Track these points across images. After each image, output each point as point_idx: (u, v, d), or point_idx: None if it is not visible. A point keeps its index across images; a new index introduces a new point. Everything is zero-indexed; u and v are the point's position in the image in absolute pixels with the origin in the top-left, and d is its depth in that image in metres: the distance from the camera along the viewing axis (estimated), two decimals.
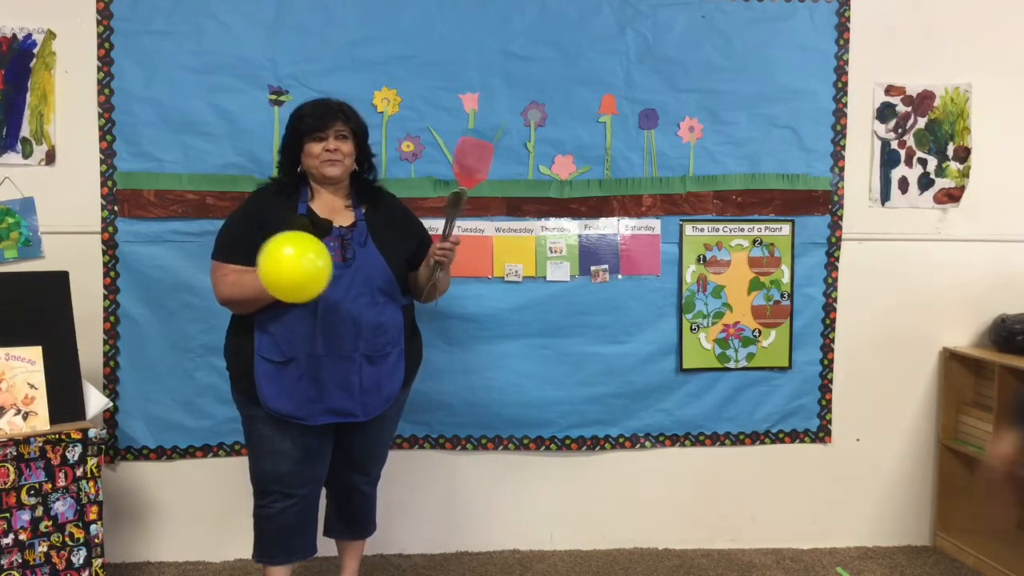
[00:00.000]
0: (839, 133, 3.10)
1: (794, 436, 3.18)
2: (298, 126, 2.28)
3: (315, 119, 2.27)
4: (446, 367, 2.99)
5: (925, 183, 3.16)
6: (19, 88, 2.80)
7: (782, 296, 3.12)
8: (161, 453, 2.95)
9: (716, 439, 3.14)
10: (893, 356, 3.19)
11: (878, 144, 3.13)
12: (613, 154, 3.03)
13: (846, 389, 3.17)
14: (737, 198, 3.07)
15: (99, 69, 2.83)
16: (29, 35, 2.80)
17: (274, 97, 2.89)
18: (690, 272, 3.07)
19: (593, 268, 3.04)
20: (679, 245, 3.06)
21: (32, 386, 2.42)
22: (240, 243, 2.24)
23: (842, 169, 3.11)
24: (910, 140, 3.14)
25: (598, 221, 3.03)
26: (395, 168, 2.95)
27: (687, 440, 3.14)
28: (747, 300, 3.11)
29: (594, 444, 3.11)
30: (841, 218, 3.12)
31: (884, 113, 3.13)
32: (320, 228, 2.13)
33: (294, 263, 2.01)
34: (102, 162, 2.85)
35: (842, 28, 3.07)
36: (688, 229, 3.06)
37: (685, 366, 3.09)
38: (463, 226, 2.96)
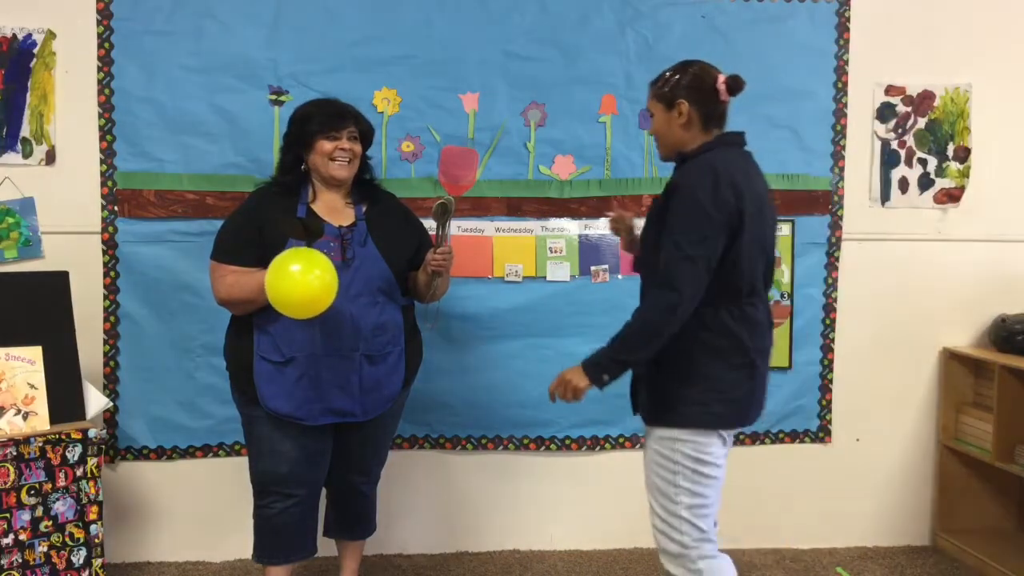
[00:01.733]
0: (839, 133, 3.10)
1: (794, 436, 3.18)
2: (307, 125, 2.27)
3: (330, 118, 2.27)
4: (446, 367, 2.99)
5: (925, 183, 3.16)
6: (19, 88, 2.80)
7: (782, 296, 3.12)
8: (161, 453, 2.95)
9: None
10: (893, 356, 3.19)
11: (878, 144, 3.13)
12: (613, 154, 3.03)
13: (846, 389, 3.17)
14: None
15: (99, 69, 2.83)
16: (29, 35, 2.80)
17: (274, 97, 2.89)
18: None
19: (593, 268, 3.04)
20: None
21: (32, 386, 2.42)
22: (239, 244, 2.25)
23: (842, 169, 3.11)
24: (910, 140, 3.14)
25: (598, 221, 3.03)
26: (395, 168, 2.95)
27: None
28: None
29: (594, 444, 3.11)
30: (841, 218, 3.12)
31: (884, 113, 3.13)
32: (312, 232, 2.13)
33: (302, 282, 2.01)
34: (102, 162, 2.85)
35: (842, 28, 3.07)
36: None
37: None
38: (463, 226, 2.96)
